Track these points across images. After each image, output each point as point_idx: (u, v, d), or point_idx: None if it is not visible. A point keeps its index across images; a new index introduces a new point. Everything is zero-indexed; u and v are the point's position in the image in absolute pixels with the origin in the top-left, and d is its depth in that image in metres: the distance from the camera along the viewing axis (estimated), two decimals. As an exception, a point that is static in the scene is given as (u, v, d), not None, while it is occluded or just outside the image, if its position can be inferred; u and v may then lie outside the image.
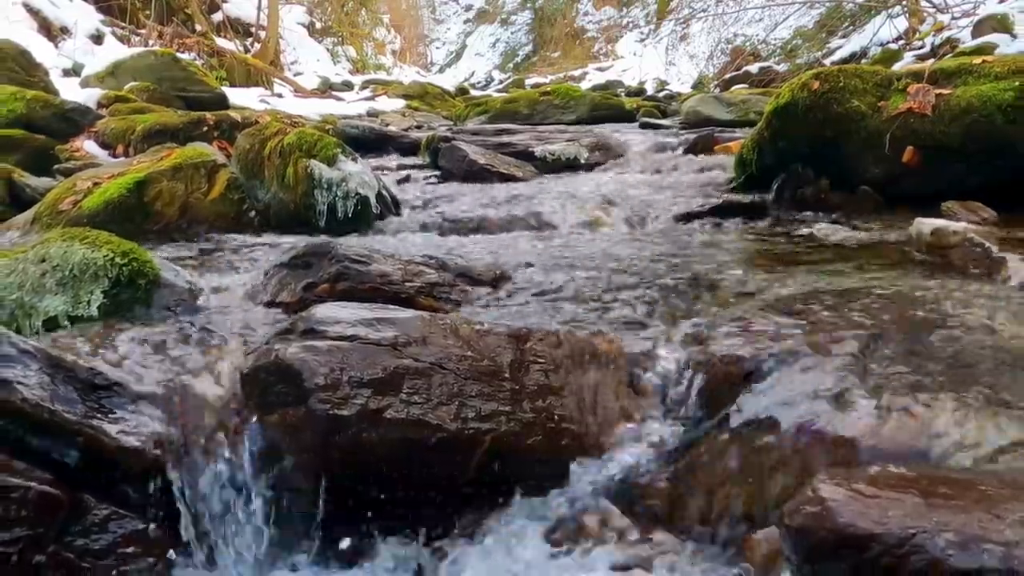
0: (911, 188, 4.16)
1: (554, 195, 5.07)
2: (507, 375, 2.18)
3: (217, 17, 22.47)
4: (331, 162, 4.49)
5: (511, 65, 48.03)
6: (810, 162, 4.50)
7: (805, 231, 3.95)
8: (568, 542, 1.91)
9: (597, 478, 2.06)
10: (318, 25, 29.53)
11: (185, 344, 2.51)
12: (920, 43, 14.98)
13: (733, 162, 5.12)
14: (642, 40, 41.28)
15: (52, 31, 16.75)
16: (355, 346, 2.11)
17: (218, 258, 3.85)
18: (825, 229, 3.94)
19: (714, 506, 1.87)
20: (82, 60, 14.75)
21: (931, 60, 7.67)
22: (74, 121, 7.75)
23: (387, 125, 11.13)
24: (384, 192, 4.69)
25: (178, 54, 13.15)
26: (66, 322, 2.76)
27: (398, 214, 4.74)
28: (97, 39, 17.41)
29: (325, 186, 4.45)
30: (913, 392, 1.86)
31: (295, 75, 23.07)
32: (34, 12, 16.61)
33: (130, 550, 1.93)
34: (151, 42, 17.91)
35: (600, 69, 38.24)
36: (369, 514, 2.07)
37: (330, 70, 25.93)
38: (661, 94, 21.80)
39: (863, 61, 15.32)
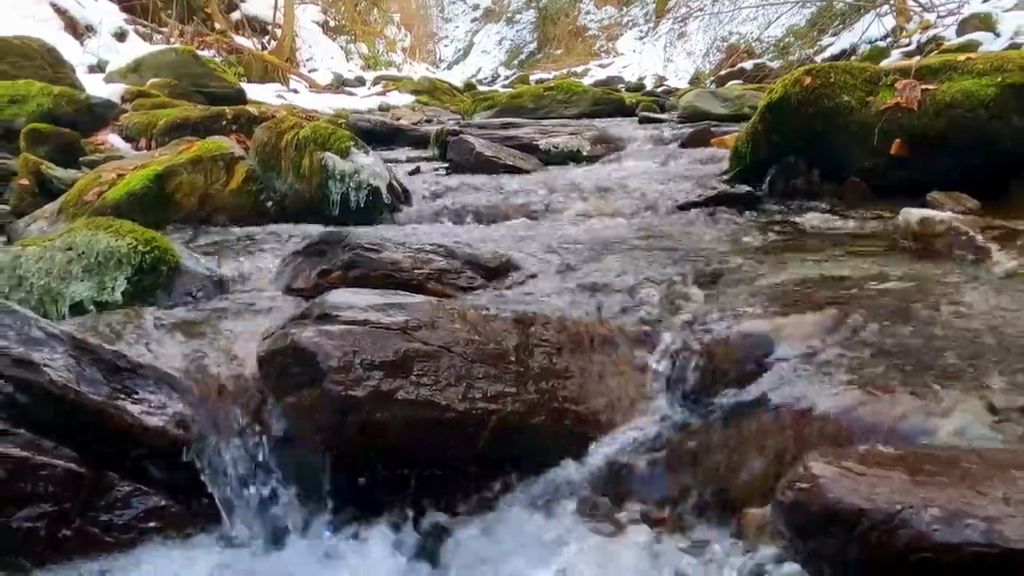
0: (898, 179, 4.15)
1: (557, 186, 5.06)
2: (512, 358, 2.18)
3: (235, 16, 22.47)
4: (344, 154, 4.49)
5: (516, 62, 47.91)
6: (802, 154, 4.48)
7: (798, 220, 3.94)
8: (571, 519, 1.91)
9: (599, 457, 2.06)
10: (332, 23, 29.47)
11: (205, 328, 2.51)
12: (907, 41, 14.95)
13: (728, 155, 5.10)
14: (641, 38, 41.14)
15: (78, 29, 16.74)
16: (367, 330, 2.11)
17: (236, 246, 3.85)
18: (817, 219, 3.92)
19: (711, 484, 1.87)
20: (106, 57, 14.74)
21: (917, 57, 7.64)
22: (99, 115, 7.75)
23: (398, 119, 11.12)
24: (395, 183, 4.68)
25: (198, 51, 13.13)
26: (91, 307, 2.77)
27: (408, 204, 4.73)
28: (120, 37, 17.40)
29: (339, 177, 4.44)
30: (904, 374, 1.85)
31: (310, 71, 23.06)
32: (61, 11, 16.60)
33: (152, 525, 1.94)
34: (172, 40, 17.91)
35: (601, 66, 38.12)
36: (381, 490, 2.07)
37: (343, 67, 25.87)
38: (659, 90, 21.71)
39: (853, 58, 15.29)
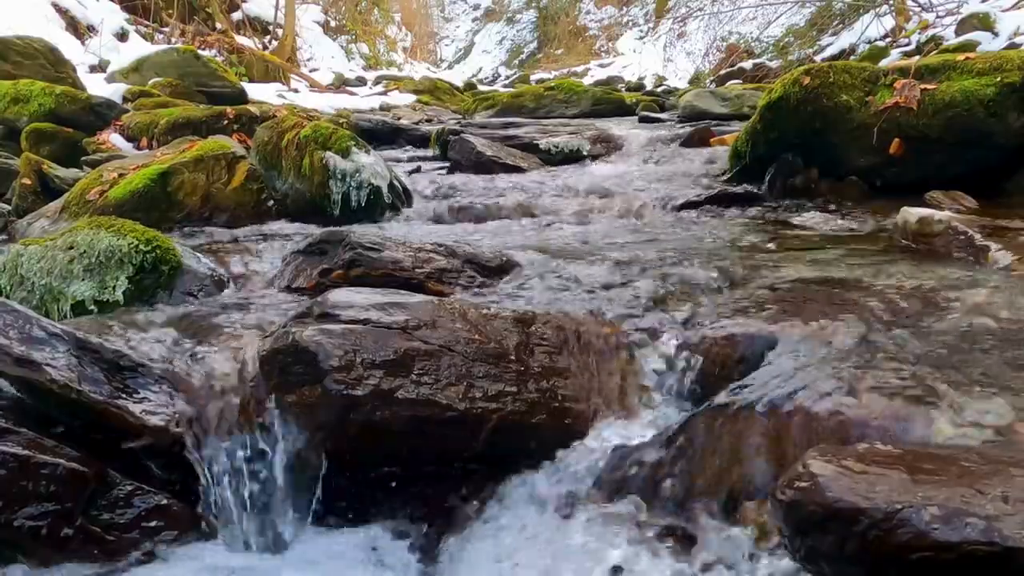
0: (896, 177, 4.15)
1: (558, 185, 5.06)
2: (513, 357, 2.18)
3: (237, 16, 22.46)
4: (345, 154, 4.49)
5: (517, 62, 47.84)
6: (800, 153, 4.48)
7: (797, 220, 3.94)
8: (571, 515, 1.91)
9: (599, 454, 2.06)
10: (333, 23, 29.45)
11: (206, 327, 2.51)
12: (906, 40, 14.92)
13: (728, 154, 5.10)
14: (641, 38, 41.11)
15: (79, 29, 16.74)
16: (368, 329, 2.11)
17: (238, 245, 3.85)
18: (815, 217, 3.93)
19: (710, 481, 1.87)
20: (108, 57, 14.74)
21: (916, 57, 7.64)
22: (101, 115, 7.73)
23: (399, 119, 11.09)
24: (396, 182, 4.69)
25: (199, 51, 13.07)
26: (93, 306, 2.77)
27: (409, 203, 4.74)
28: (122, 36, 17.40)
29: (340, 176, 4.45)
30: (903, 373, 1.85)
31: (311, 71, 23.03)
32: (62, 11, 16.61)
33: (153, 524, 1.94)
34: (174, 39, 17.89)
35: (601, 65, 38.07)
36: (382, 487, 2.07)
37: (344, 66, 25.85)
38: (659, 89, 21.65)
39: (852, 58, 15.27)
